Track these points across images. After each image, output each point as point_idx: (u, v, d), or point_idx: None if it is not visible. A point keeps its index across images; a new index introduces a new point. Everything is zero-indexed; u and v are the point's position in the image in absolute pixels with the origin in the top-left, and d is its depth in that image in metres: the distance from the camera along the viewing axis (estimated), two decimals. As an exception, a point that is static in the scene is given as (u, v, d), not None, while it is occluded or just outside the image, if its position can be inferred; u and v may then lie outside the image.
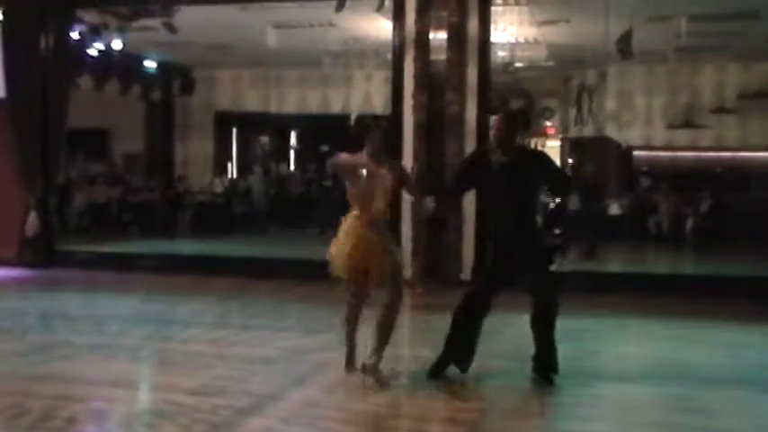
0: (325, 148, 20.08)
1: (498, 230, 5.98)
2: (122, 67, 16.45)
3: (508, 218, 5.92)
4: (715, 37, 14.04)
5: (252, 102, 19.72)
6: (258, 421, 5.05)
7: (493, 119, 6.14)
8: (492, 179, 5.96)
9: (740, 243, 15.86)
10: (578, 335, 7.58)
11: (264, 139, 21.94)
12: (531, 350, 6.04)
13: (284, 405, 5.42)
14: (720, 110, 16.92)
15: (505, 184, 5.89)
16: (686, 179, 17.55)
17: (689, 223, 16.90)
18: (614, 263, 14.33)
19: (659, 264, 14.97)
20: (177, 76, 19.38)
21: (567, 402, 5.57)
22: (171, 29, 13.53)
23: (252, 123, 20.88)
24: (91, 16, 13.80)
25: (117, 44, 14.41)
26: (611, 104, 17.44)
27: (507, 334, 7.49)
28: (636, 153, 18.32)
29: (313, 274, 11.47)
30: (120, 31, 14.11)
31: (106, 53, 14.76)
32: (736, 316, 9.20)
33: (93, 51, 14.59)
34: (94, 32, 14.03)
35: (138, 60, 17.37)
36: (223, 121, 20.36)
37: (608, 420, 5.30)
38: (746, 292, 10.27)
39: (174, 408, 5.25)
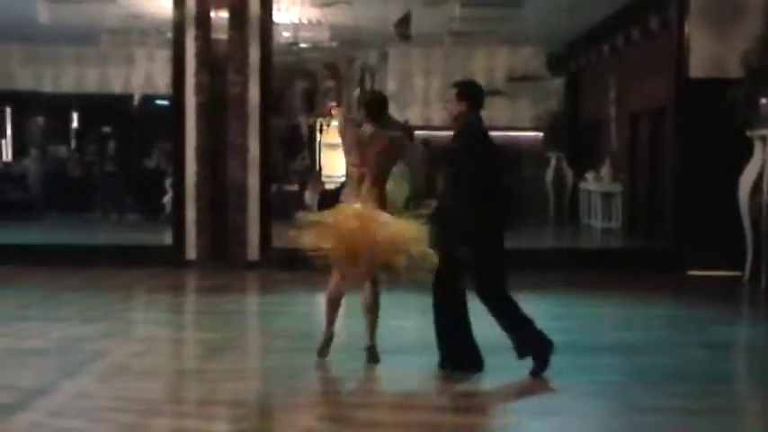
0: (106, 129, 19.37)
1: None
2: None
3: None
4: (485, 22, 14.78)
5: (25, 80, 18.64)
6: (24, 416, 4.89)
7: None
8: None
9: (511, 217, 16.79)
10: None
11: (40, 120, 20.80)
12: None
13: (55, 398, 5.28)
14: (492, 91, 17.87)
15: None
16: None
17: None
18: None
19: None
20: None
21: (340, 378, 5.80)
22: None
23: (27, 103, 19.74)
24: None
25: None
26: (391, 85, 17.99)
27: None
28: (416, 133, 19.01)
29: (93, 259, 11.33)
30: None
31: None
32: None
33: None
34: None
35: None
36: (-7, 100, 19.12)
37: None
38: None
39: (-69, 408, 4.99)
